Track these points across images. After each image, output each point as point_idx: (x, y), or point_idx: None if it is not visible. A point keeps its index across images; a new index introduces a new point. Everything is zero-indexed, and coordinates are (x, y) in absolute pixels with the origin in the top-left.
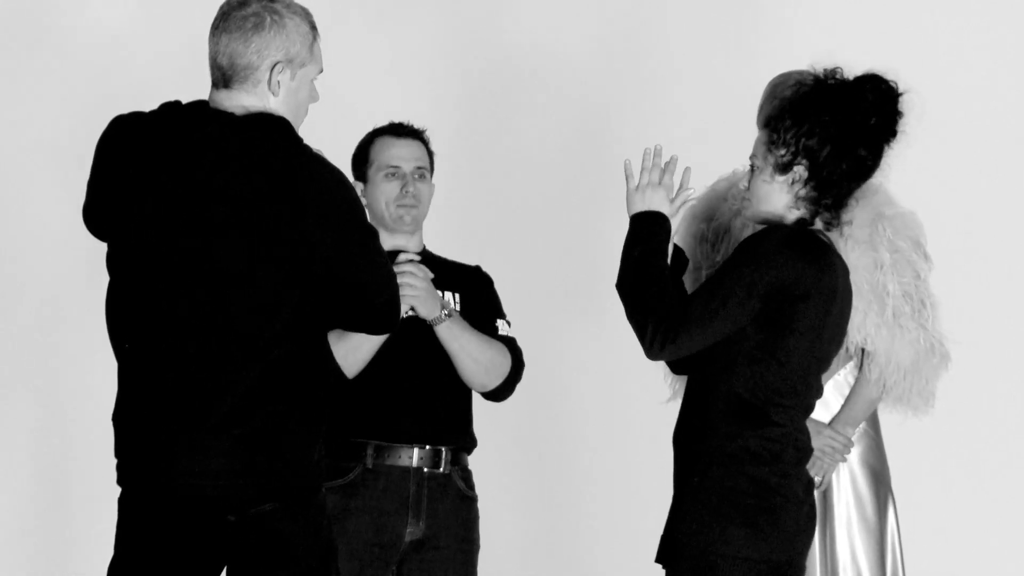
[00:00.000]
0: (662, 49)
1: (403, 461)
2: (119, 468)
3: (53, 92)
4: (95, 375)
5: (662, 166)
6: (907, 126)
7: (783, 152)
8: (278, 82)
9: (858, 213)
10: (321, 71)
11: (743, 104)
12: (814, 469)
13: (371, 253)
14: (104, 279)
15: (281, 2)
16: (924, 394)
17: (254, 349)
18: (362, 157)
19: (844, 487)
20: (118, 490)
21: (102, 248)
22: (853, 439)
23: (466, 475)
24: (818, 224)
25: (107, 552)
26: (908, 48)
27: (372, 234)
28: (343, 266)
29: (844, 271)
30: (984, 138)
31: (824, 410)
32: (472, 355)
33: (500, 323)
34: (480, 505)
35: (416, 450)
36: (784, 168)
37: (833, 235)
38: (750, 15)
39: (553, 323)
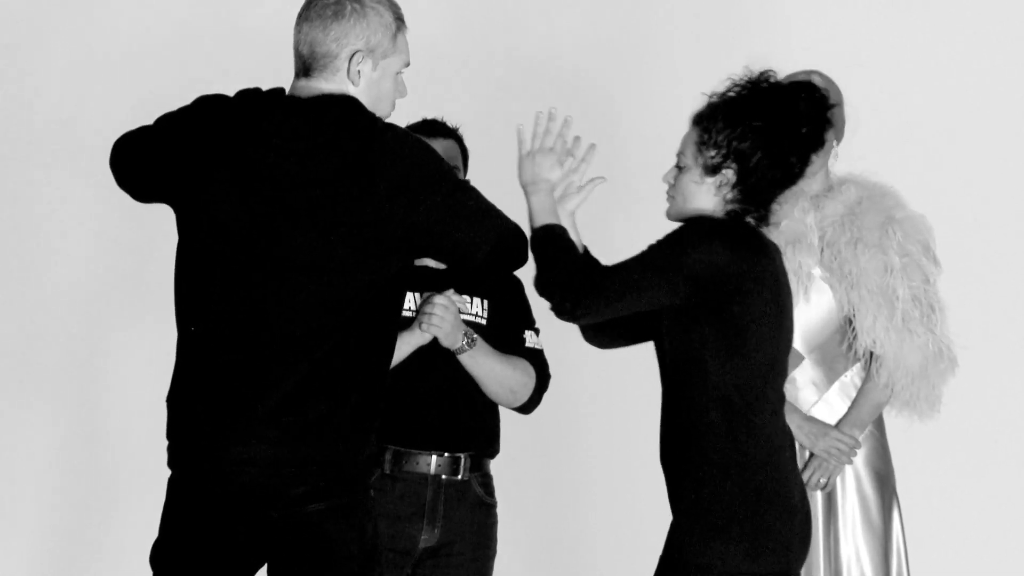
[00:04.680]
0: (665, 50)
1: (421, 468)
2: (169, 450)
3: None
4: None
5: (555, 131)
6: (832, 135)
7: (713, 154)
8: (359, 72)
9: (868, 216)
10: (408, 64)
11: None
12: (820, 471)
13: (463, 208)
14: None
15: None
16: (931, 399)
17: (313, 339)
18: None
19: (849, 489)
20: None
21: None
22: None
23: (486, 481)
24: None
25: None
26: (910, 47)
27: (461, 187)
28: (435, 230)
29: (776, 251)
30: (992, 140)
31: (830, 412)
32: (497, 379)
33: (528, 334)
34: (498, 511)
35: (435, 457)
36: (713, 170)
37: (843, 240)
38: (751, 16)
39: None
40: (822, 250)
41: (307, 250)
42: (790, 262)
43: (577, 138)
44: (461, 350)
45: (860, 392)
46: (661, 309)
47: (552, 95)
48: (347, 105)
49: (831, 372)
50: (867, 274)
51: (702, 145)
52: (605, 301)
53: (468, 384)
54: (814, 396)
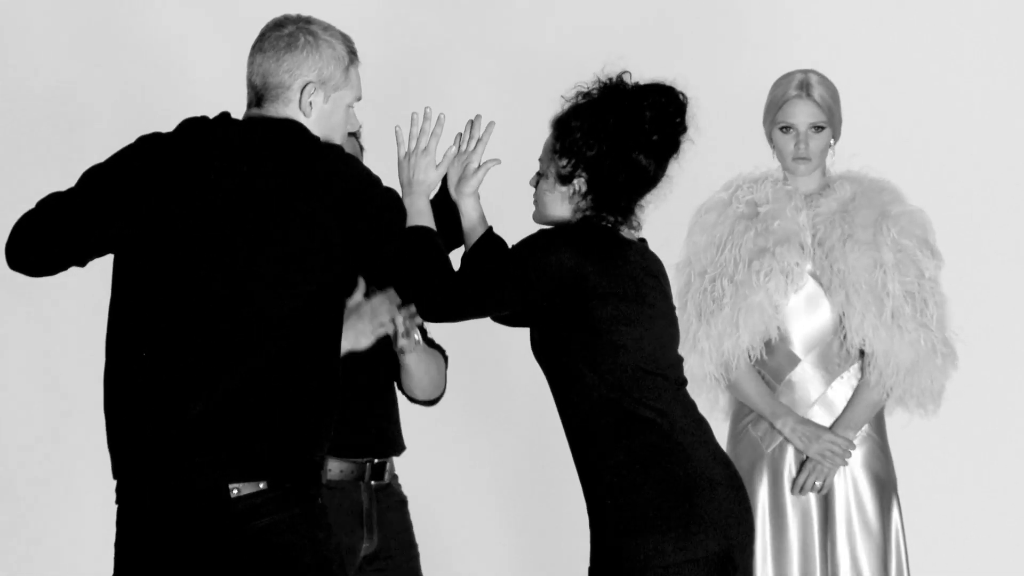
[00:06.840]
0: (665, 50)
1: (355, 475)
2: (118, 485)
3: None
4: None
5: (430, 131)
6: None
7: (564, 163)
8: (310, 103)
9: (861, 213)
10: (359, 98)
11: (745, 107)
12: (815, 474)
13: (398, 225)
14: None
15: (318, 24)
16: (929, 394)
17: (258, 351)
18: None
19: (845, 491)
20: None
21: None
22: (855, 442)
23: (397, 479)
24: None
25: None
26: (910, 47)
27: (398, 206)
28: (373, 244)
29: (638, 251)
30: (992, 139)
31: (828, 413)
32: (429, 375)
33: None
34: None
35: (368, 464)
36: (565, 179)
37: (834, 237)
38: (752, 15)
39: None
40: (815, 249)
41: (259, 264)
42: (781, 262)
43: (478, 116)
44: (412, 350)
45: (854, 393)
46: (530, 325)
47: (551, 95)
48: (290, 126)
49: (828, 373)
50: (855, 271)
51: (554, 153)
52: (463, 306)
53: (385, 388)
54: (812, 397)
